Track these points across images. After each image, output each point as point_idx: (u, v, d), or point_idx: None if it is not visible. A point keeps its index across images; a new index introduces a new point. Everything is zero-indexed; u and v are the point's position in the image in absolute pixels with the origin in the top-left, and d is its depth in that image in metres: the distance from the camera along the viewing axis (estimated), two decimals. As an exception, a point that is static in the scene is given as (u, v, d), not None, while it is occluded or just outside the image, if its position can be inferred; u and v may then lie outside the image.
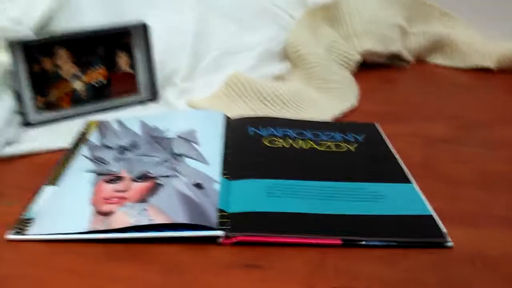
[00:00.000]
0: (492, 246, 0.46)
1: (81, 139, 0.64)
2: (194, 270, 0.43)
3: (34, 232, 0.46)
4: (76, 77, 0.72)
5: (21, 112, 0.69)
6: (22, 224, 0.47)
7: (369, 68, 0.97)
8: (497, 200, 0.54)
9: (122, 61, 0.75)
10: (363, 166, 0.58)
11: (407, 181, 0.56)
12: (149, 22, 0.75)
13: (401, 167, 0.59)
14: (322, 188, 0.53)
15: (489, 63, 0.97)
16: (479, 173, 0.59)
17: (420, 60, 1.05)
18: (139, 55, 0.76)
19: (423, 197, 0.53)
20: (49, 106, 0.71)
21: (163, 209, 0.47)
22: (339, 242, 0.46)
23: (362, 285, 0.41)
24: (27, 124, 0.69)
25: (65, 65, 0.70)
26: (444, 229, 0.47)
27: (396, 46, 0.97)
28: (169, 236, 0.45)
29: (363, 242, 0.46)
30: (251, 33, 0.91)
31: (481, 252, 0.45)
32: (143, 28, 0.74)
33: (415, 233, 0.47)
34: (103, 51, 0.73)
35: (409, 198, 0.52)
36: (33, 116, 0.69)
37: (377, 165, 0.59)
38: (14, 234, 0.46)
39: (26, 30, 0.78)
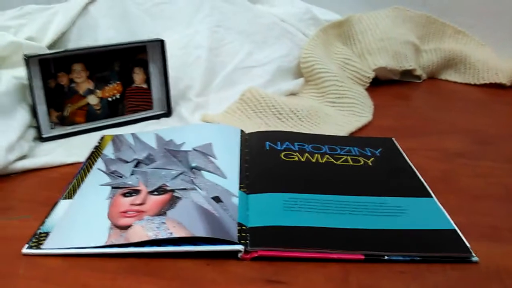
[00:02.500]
0: (518, 262, 0.45)
1: (96, 153, 0.63)
2: (216, 287, 0.42)
3: (50, 246, 0.46)
4: (91, 92, 0.72)
5: (36, 127, 0.69)
6: (38, 238, 0.47)
7: (382, 84, 0.97)
8: (519, 215, 0.53)
9: (138, 77, 0.75)
10: (382, 180, 0.57)
11: (427, 195, 0.55)
12: (163, 38, 0.75)
13: (420, 181, 0.58)
14: (341, 202, 0.52)
15: (502, 79, 0.97)
16: (499, 187, 0.59)
17: (432, 77, 1.05)
18: (154, 71, 0.76)
19: (444, 212, 0.52)
20: (63, 120, 0.71)
21: (182, 223, 0.47)
22: (361, 257, 0.45)
23: (387, 301, 0.40)
24: (41, 138, 0.69)
25: (81, 80, 0.71)
26: (468, 244, 0.46)
27: (409, 63, 0.97)
28: (189, 250, 0.45)
29: (386, 257, 0.45)
30: (264, 49, 0.91)
31: (508, 268, 0.44)
32: (160, 44, 0.74)
33: (439, 247, 0.46)
34: (119, 66, 0.73)
35: (431, 212, 0.51)
36: (47, 130, 0.69)
37: (396, 179, 0.58)
38: (29, 248, 0.45)
39: (41, 47, 0.79)
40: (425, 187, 0.56)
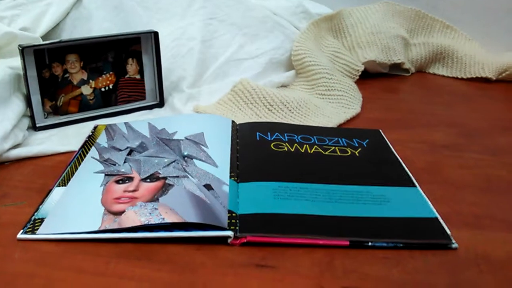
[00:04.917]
0: (496, 249, 0.47)
1: (90, 142, 0.64)
2: (205, 270, 0.43)
3: (44, 232, 0.47)
4: (85, 82, 0.73)
5: (30, 116, 0.69)
6: (33, 224, 0.48)
7: (371, 77, 0.98)
8: (500, 204, 0.55)
9: (131, 67, 0.76)
10: (368, 170, 0.59)
11: (411, 184, 0.56)
12: (157, 30, 0.76)
13: (405, 171, 0.59)
14: (328, 191, 0.53)
15: (488, 74, 0.99)
16: (482, 178, 0.60)
17: (420, 70, 1.07)
18: (147, 62, 0.77)
19: (427, 201, 0.53)
20: (57, 110, 0.72)
21: (174, 209, 0.48)
22: (346, 243, 0.46)
23: (371, 285, 0.42)
24: (34, 127, 0.69)
25: (75, 70, 0.71)
26: (448, 231, 0.48)
27: (398, 56, 0.98)
28: (180, 236, 0.46)
29: (370, 244, 0.46)
30: (256, 42, 0.92)
31: (485, 254, 0.46)
32: (153, 36, 0.75)
33: (421, 234, 0.48)
34: (113, 57, 0.74)
35: (414, 201, 0.53)
36: (40, 120, 0.70)
37: (381, 169, 0.60)
38: (24, 234, 0.46)
39: (35, 37, 0.80)
40: (410, 177, 0.58)
